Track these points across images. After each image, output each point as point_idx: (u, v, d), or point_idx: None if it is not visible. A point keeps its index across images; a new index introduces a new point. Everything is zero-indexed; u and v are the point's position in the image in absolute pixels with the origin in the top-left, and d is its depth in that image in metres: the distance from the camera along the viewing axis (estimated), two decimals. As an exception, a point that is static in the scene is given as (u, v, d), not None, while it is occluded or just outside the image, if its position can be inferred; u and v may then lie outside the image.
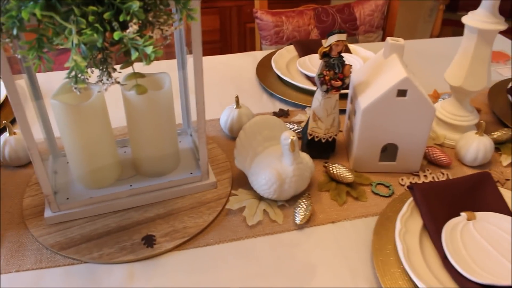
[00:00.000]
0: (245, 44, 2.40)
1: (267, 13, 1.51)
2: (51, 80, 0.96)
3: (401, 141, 0.77)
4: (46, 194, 0.66)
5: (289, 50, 1.23)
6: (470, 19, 0.81)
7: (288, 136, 0.68)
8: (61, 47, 0.43)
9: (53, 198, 0.67)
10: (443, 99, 1.00)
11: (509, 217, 0.68)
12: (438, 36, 2.50)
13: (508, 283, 0.58)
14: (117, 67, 0.52)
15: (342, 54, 0.74)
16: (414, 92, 0.71)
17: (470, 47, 0.82)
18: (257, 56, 1.24)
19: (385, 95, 0.71)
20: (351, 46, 1.24)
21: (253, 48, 2.21)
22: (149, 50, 0.42)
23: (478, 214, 0.68)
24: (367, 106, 0.73)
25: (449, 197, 0.70)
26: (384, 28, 1.68)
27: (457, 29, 2.50)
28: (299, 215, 0.69)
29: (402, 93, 0.71)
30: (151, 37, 0.44)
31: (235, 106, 0.89)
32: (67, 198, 0.70)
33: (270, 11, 1.53)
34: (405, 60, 0.78)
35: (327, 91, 0.75)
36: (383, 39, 1.68)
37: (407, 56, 0.88)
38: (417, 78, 0.76)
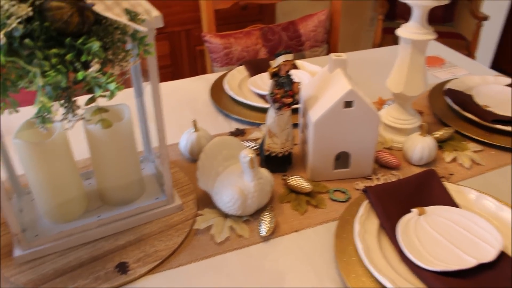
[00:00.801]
0: (196, 66, 2.44)
1: (215, 36, 1.56)
2: (8, 118, 0.97)
3: (352, 149, 0.83)
4: (15, 233, 0.67)
5: (240, 71, 1.27)
6: (403, 31, 0.88)
7: (246, 154, 0.72)
8: (26, 89, 0.46)
9: (22, 236, 0.68)
10: (388, 105, 1.07)
11: (455, 208, 0.74)
12: (380, 44, 2.63)
13: (458, 267, 0.63)
14: (81, 98, 0.55)
15: (291, 71, 0.80)
16: (359, 102, 0.77)
17: (406, 56, 0.89)
18: (209, 78, 1.28)
19: (333, 108, 0.77)
20: (298, 62, 1.30)
21: (204, 70, 2.25)
22: (112, 86, 0.45)
23: (428, 209, 0.74)
24: (318, 119, 0.78)
25: (400, 196, 0.76)
26: (328, 42, 1.76)
27: (396, 36, 2.64)
28: (264, 228, 0.73)
29: (348, 104, 0.77)
30: (112, 74, 0.47)
31: (193, 130, 0.92)
32: (36, 235, 0.71)
33: (219, 34, 1.58)
34: (350, 71, 0.84)
35: (279, 109, 0.80)
36: (328, 52, 1.76)
37: (352, 67, 0.94)
38: (362, 88, 0.82)
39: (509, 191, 0.85)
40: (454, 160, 0.94)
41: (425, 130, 0.90)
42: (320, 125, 0.79)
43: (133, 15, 0.51)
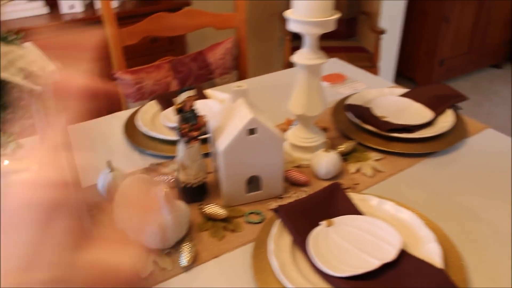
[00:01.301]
0: (112, 103, 2.42)
1: (126, 73, 1.57)
2: None
3: (262, 172, 0.88)
4: None
5: (152, 105, 1.29)
6: (298, 58, 0.95)
7: (161, 189, 0.74)
8: None
9: None
10: (295, 125, 1.14)
11: (359, 216, 0.81)
12: (290, 63, 2.75)
13: (364, 270, 0.69)
14: None
15: (197, 104, 0.84)
16: (262, 128, 0.82)
17: (303, 80, 0.96)
18: (122, 116, 1.30)
19: (237, 136, 0.81)
20: (208, 91, 1.34)
21: (118, 106, 2.24)
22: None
23: (335, 220, 0.80)
24: (225, 148, 0.82)
25: (309, 210, 0.82)
26: (237, 68, 1.82)
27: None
28: (185, 258, 0.76)
29: (252, 131, 0.82)
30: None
31: (109, 170, 0.94)
32: None
33: (129, 70, 1.59)
34: (260, 94, 0.89)
35: (188, 142, 0.83)
36: (239, 78, 1.82)
37: (263, 90, 1.00)
38: (270, 110, 0.87)
39: (407, 193, 0.94)
40: (358, 170, 1.02)
41: (329, 146, 0.98)
42: (228, 154, 0.83)
43: (28, 73, 0.53)
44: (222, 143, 0.83)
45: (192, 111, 0.82)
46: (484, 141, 1.15)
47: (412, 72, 3.75)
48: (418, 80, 3.70)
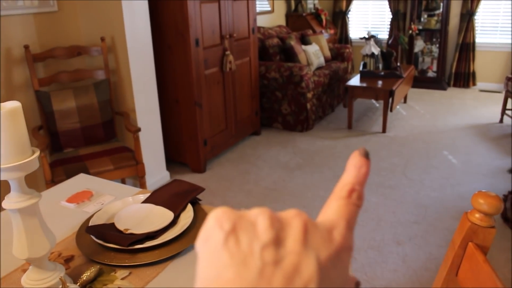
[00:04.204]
0: None
1: None
2: None
3: None
4: None
5: None
6: (7, 204, 0.90)
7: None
8: None
9: None
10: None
11: None
12: (52, 179, 2.60)
13: None
14: None
15: None
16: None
17: (19, 223, 0.92)
18: None
19: None
20: None
21: None
22: None
23: None
24: None
25: None
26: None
27: (68, 166, 2.67)
28: None
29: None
30: None
31: None
32: None
33: None
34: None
35: None
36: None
37: None
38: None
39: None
40: (104, 295, 1.00)
41: (64, 282, 0.94)
42: None
43: None
44: None
45: None
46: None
47: (182, 157, 3.94)
48: (189, 162, 3.90)
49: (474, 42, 6.70)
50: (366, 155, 0.35)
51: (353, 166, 0.34)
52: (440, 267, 0.91)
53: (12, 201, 0.90)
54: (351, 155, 0.35)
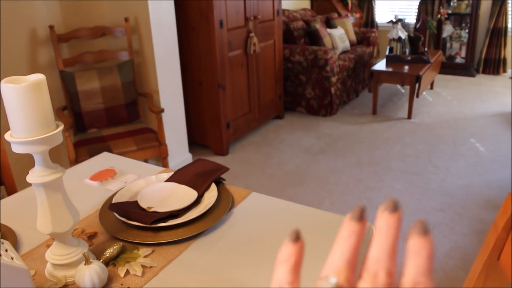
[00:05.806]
0: None
1: None
2: None
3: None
4: None
5: None
6: (31, 178, 0.89)
7: None
8: None
9: None
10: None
11: None
12: (76, 159, 2.61)
13: None
14: None
15: None
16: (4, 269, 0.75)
17: (43, 198, 0.91)
18: None
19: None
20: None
21: None
22: None
23: None
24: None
25: None
26: (3, 183, 1.67)
27: (91, 146, 2.69)
28: None
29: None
30: None
31: None
32: None
33: None
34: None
35: None
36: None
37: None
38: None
39: (180, 282, 0.94)
40: (128, 272, 0.99)
41: (87, 258, 0.93)
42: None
43: None
44: None
45: None
46: (249, 207, 1.23)
47: (204, 139, 3.93)
48: (211, 145, 3.89)
49: (506, 27, 6.48)
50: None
51: (410, 253, 0.27)
52: (480, 251, 0.87)
53: (36, 175, 0.89)
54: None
